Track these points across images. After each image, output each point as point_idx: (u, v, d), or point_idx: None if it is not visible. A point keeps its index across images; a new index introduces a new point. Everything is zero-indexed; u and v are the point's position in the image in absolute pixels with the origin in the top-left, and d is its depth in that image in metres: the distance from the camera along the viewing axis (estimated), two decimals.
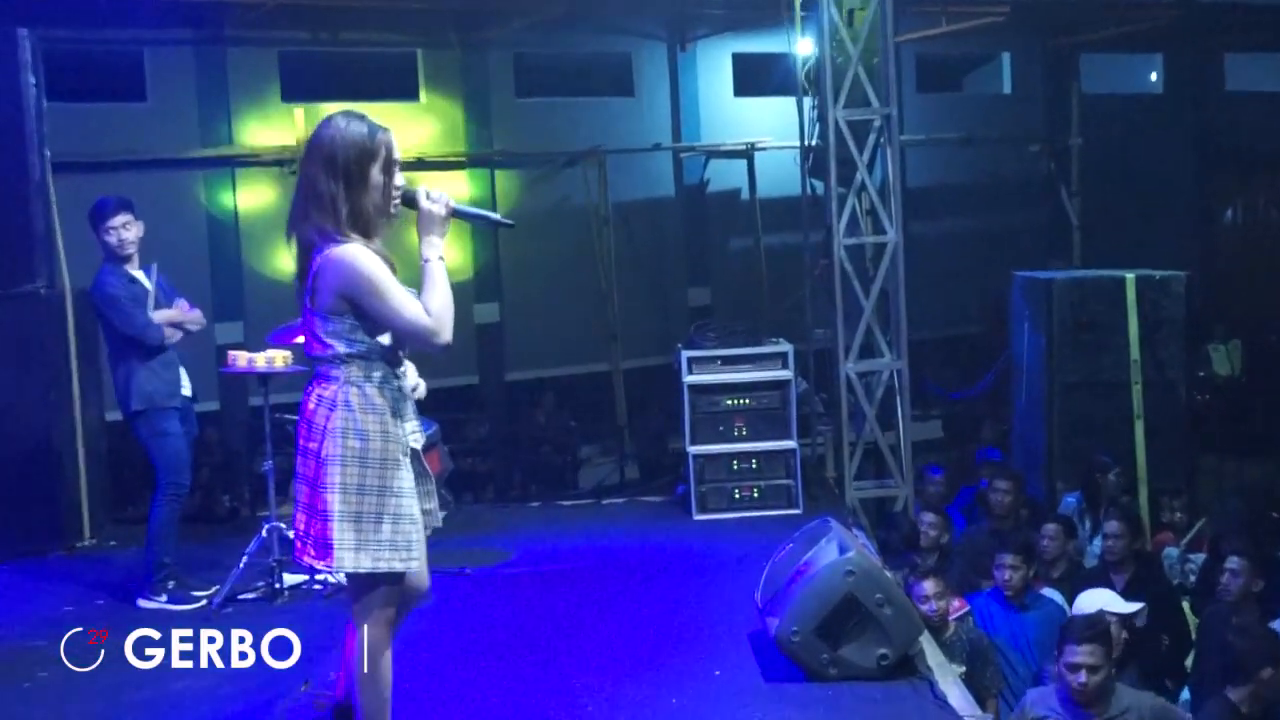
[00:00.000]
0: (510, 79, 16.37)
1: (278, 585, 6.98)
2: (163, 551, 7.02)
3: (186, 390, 7.15)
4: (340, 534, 4.02)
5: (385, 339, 4.10)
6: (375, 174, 4.07)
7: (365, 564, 4.04)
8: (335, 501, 4.02)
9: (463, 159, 15.93)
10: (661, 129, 17.04)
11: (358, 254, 3.98)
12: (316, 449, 4.05)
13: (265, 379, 7.16)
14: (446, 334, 4.05)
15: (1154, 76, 20.95)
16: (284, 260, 14.82)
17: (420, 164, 14.95)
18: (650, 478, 13.44)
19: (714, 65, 17.40)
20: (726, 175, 17.37)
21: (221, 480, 12.95)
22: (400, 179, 4.16)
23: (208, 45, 14.60)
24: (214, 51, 14.66)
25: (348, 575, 4.16)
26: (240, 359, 7.11)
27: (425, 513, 4.22)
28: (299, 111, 14.43)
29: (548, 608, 6.94)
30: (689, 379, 9.22)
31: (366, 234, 4.04)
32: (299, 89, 15.03)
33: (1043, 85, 19.48)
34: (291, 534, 4.23)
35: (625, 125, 16.80)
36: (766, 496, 9.14)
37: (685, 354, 9.28)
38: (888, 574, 5.81)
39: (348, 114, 4.15)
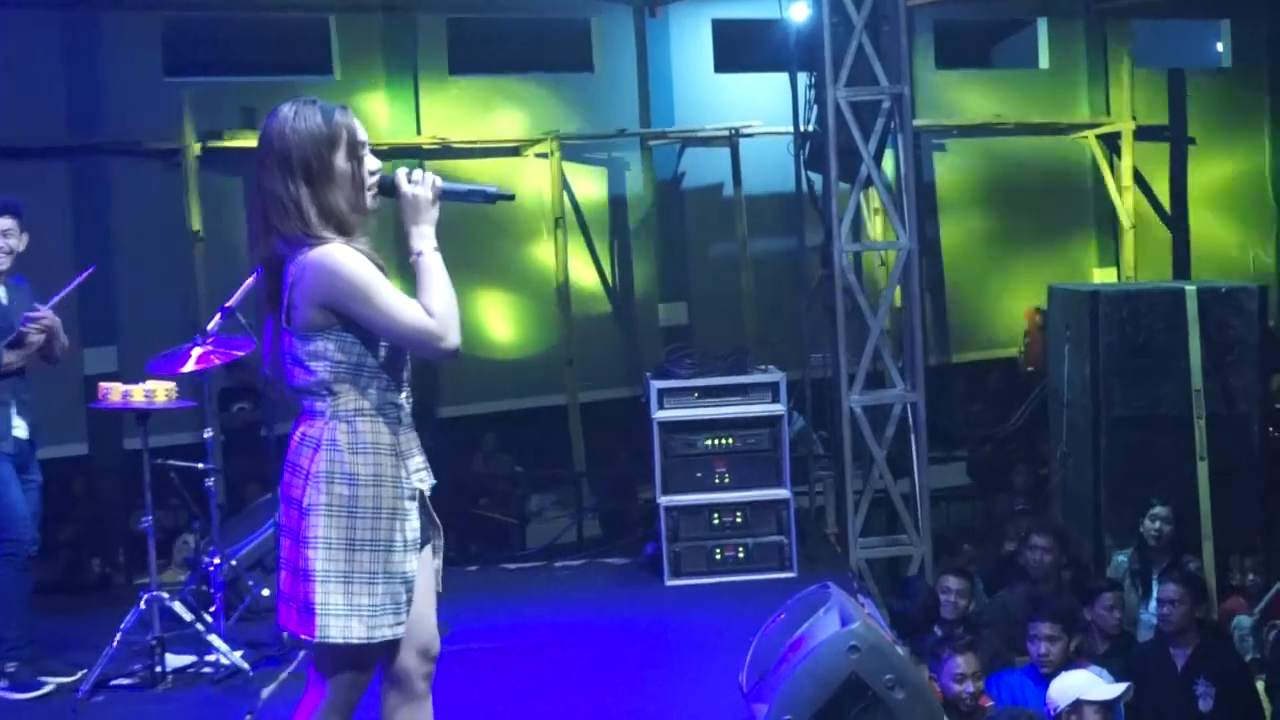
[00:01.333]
0: (443, 52, 16.40)
1: (159, 668, 6.95)
2: None
3: (19, 431, 7.07)
4: (324, 597, 4.03)
5: (380, 354, 4.14)
6: (340, 163, 4.13)
7: (358, 633, 4.06)
8: (318, 559, 4.04)
9: (385, 148, 15.94)
10: (627, 112, 17.08)
11: (338, 254, 4.03)
12: (299, 497, 4.09)
13: (144, 417, 7.14)
14: (454, 337, 4.10)
15: (1220, 47, 21.12)
16: (168, 272, 14.84)
17: None
18: (614, 535, 13.43)
19: (690, 35, 17.48)
20: (706, 167, 17.42)
21: (90, 540, 12.89)
22: (374, 163, 4.22)
23: (75, 11, 14.57)
24: (83, 19, 14.62)
25: (320, 645, 4.15)
26: (113, 392, 7.10)
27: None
28: (187, 92, 14.42)
29: (489, 694, 6.93)
30: (660, 414, 9.24)
31: (345, 233, 4.10)
32: (187, 64, 15.02)
33: (1087, 58, 19.60)
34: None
35: (583, 107, 16.86)
36: (754, 557, 9.14)
37: (655, 384, 9.29)
38: (900, 650, 5.84)
39: (295, 101, 4.19)
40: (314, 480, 4.07)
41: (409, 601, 4.14)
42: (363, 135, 4.18)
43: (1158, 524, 9.25)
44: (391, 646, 4.19)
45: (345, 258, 4.03)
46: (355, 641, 4.06)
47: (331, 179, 4.10)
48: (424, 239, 4.18)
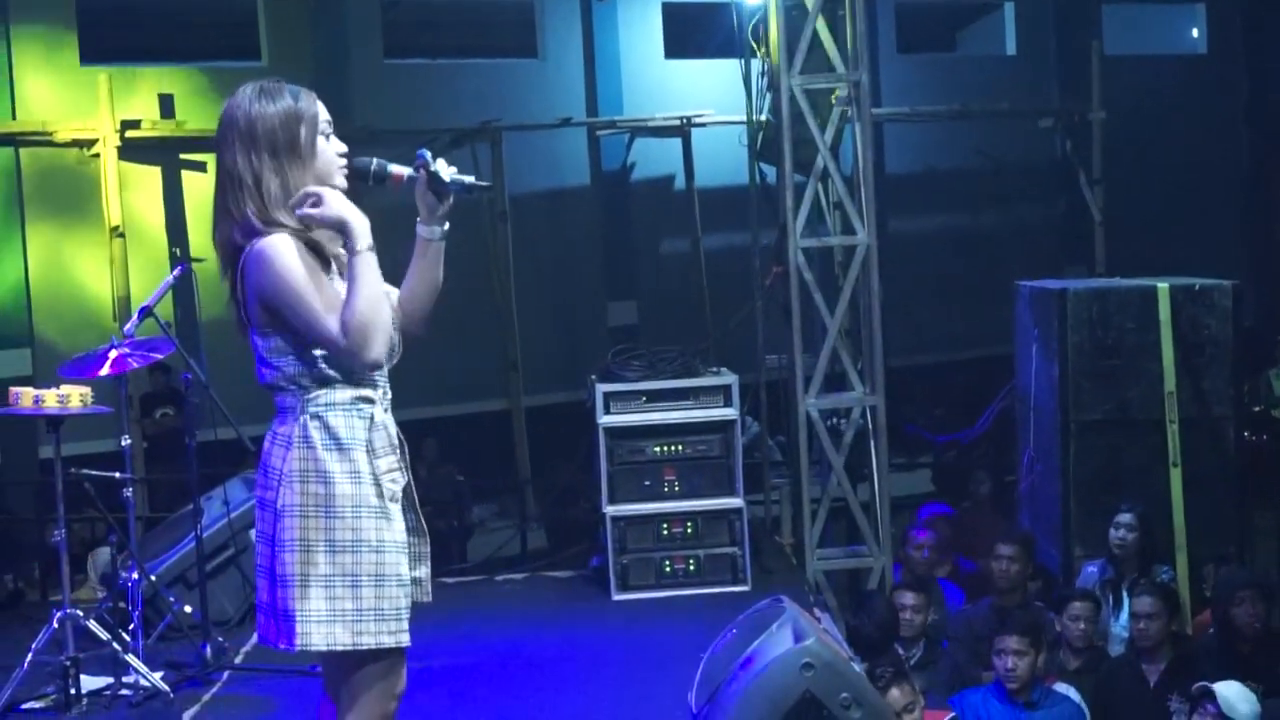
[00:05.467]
0: (377, 34, 16.36)
1: (73, 690, 6.92)
2: None
3: None
4: (302, 603, 4.01)
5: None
6: (308, 141, 4.17)
7: (343, 640, 4.03)
8: (296, 563, 4.01)
9: None
10: (573, 99, 17.08)
11: (277, 245, 3.98)
12: (273, 499, 4.07)
13: (56, 423, 7.12)
14: (369, 352, 3.97)
15: (1195, 33, 21.28)
16: (83, 270, 14.77)
17: None
18: (559, 547, 13.44)
19: (639, 19, 17.50)
20: (656, 158, 17.44)
21: (1, 555, 12.81)
22: (341, 145, 4.25)
23: None
24: None
25: (324, 656, 4.14)
26: (24, 397, 7.07)
27: (414, 581, 4.23)
28: (104, 77, 14.33)
29: (426, 716, 6.93)
30: (605, 419, 9.25)
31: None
32: (104, 49, 14.92)
33: (1055, 44, 19.72)
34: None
35: (527, 94, 16.83)
36: (705, 570, 9.17)
37: (601, 388, 9.30)
38: (856, 667, 5.86)
39: (257, 84, 4.23)
40: (287, 480, 4.04)
41: (409, 607, 4.13)
42: (327, 115, 4.23)
43: (1121, 531, 9.24)
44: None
45: (281, 252, 3.97)
46: (341, 648, 4.03)
47: (298, 155, 4.12)
48: (360, 236, 4.03)
